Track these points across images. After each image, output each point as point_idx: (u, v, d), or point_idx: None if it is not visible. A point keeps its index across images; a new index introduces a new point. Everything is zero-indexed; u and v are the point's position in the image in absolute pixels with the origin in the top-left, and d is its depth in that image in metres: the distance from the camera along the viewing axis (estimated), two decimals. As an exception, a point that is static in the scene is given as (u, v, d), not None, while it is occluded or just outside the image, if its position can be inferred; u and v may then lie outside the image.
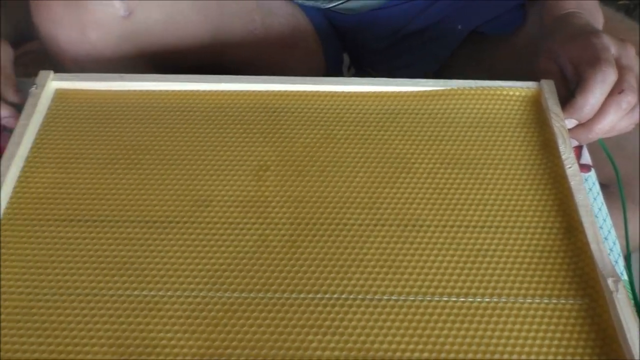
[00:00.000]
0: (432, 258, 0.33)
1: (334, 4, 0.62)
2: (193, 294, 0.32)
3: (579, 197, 0.35)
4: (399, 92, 0.42)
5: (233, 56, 0.58)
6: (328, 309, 0.31)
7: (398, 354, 0.30)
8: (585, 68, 0.39)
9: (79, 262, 0.33)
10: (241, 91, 0.42)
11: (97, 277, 0.32)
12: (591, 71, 0.39)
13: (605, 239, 0.38)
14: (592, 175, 0.42)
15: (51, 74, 0.42)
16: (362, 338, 0.30)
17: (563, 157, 0.38)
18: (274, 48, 0.61)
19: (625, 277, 0.37)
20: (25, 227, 0.34)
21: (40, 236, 0.34)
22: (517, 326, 0.31)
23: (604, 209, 0.40)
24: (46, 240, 0.34)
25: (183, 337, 0.30)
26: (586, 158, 0.42)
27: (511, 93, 0.42)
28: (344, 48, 0.69)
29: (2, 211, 0.35)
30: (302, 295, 0.32)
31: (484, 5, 0.59)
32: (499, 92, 0.42)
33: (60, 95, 0.42)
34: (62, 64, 0.51)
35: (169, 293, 0.32)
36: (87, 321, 0.31)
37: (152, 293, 0.32)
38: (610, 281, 0.31)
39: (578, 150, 0.42)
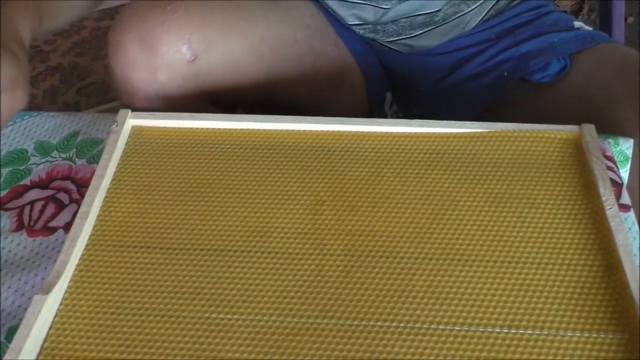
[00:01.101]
0: (476, 291, 0.36)
1: (394, 39, 0.65)
2: (257, 317, 0.35)
3: (619, 237, 0.37)
4: (445, 134, 0.45)
5: (284, 94, 0.62)
6: (380, 335, 0.34)
7: (446, 380, 0.32)
8: None
9: (156, 286, 0.37)
10: (298, 130, 0.46)
11: (172, 299, 0.36)
12: None
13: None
14: (631, 215, 0.43)
15: (129, 112, 0.46)
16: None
17: (603, 198, 0.40)
18: (322, 88, 0.64)
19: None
20: (108, 252, 0.39)
21: (121, 261, 0.38)
22: (558, 358, 0.33)
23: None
24: (127, 265, 0.38)
25: (249, 357, 0.33)
26: (625, 198, 0.44)
27: (552, 136, 0.45)
28: (390, 86, 0.73)
29: (88, 238, 0.39)
30: (356, 322, 0.35)
31: (532, 56, 0.61)
32: (540, 135, 0.45)
33: (136, 131, 0.46)
34: (131, 102, 0.56)
35: (235, 316, 0.35)
36: (164, 340, 0.34)
37: (221, 316, 0.35)
38: (648, 318, 0.33)
39: (618, 189, 0.44)
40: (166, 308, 0.36)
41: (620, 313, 0.35)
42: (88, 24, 0.99)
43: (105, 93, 0.90)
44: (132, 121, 0.46)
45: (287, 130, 0.46)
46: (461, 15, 0.62)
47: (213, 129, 0.46)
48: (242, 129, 0.46)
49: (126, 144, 0.45)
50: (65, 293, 0.36)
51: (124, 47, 0.53)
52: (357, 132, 0.45)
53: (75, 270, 0.37)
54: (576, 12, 0.86)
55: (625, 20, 1.55)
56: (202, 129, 0.46)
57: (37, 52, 0.94)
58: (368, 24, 0.64)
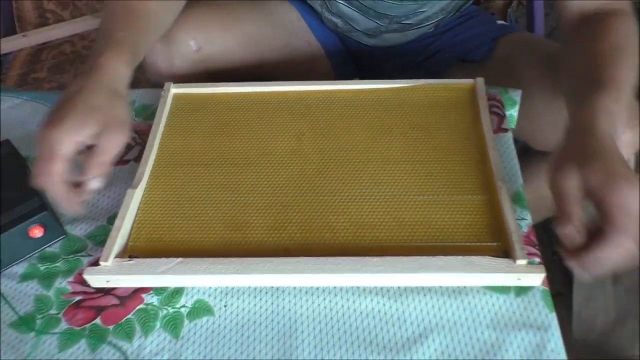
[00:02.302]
0: (400, 176, 0.58)
1: (371, 38, 0.85)
2: (263, 197, 0.57)
3: (489, 142, 0.59)
4: (385, 88, 0.67)
5: (266, 77, 0.83)
6: (337, 203, 0.56)
7: (377, 222, 0.54)
8: (604, 220, 0.42)
9: (199, 184, 0.59)
10: (287, 90, 0.68)
11: (210, 191, 0.58)
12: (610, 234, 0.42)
13: (516, 181, 0.61)
14: (509, 135, 0.65)
15: (171, 84, 0.68)
16: (356, 214, 0.55)
17: (482, 121, 0.62)
18: (295, 74, 0.84)
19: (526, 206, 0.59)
20: (167, 167, 0.60)
21: (177, 172, 0.60)
22: (445, 207, 0.55)
23: (516, 160, 0.62)
24: (180, 173, 0.60)
25: (260, 217, 0.55)
26: (506, 124, 0.66)
27: (457, 86, 0.67)
28: (357, 73, 0.93)
29: (154, 159, 0.61)
30: (324, 197, 0.57)
31: (467, 41, 0.84)
32: (449, 86, 0.67)
33: (176, 96, 0.68)
34: (157, 80, 0.77)
35: (250, 197, 0.57)
36: (206, 213, 0.56)
37: (241, 197, 0.57)
38: (499, 183, 0.55)
39: (500, 118, 0.66)
40: (206, 196, 0.58)
41: (486, 183, 0.57)
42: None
43: (136, 84, 1.12)
44: (174, 90, 0.68)
45: (277, 91, 0.68)
46: (425, 26, 0.83)
47: (228, 92, 0.68)
48: (247, 92, 0.68)
49: (171, 105, 0.67)
50: (144, 190, 0.58)
51: None
52: (326, 89, 0.67)
53: (148, 177, 0.59)
54: (507, 6, 1.08)
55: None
56: (220, 92, 0.68)
57: (77, 56, 1.16)
58: (359, 31, 0.83)
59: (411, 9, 0.76)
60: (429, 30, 0.84)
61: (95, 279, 0.52)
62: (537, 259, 0.53)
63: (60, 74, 1.12)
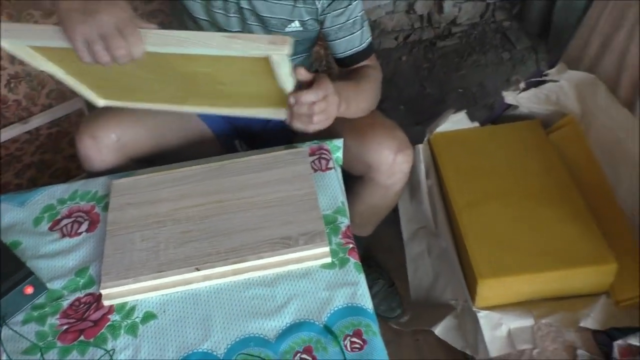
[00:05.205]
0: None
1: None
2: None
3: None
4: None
5: (172, 156, 1.14)
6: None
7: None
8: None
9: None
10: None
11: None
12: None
13: (337, 200, 0.96)
14: (333, 171, 0.99)
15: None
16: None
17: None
18: (193, 153, 1.15)
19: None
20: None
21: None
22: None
23: (340, 186, 0.98)
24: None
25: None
26: (332, 164, 1.01)
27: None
28: (237, 136, 1.27)
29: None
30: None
31: None
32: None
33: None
34: (90, 168, 1.07)
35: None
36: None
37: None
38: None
39: (327, 161, 1.01)
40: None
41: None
42: (43, 132, 1.44)
43: (69, 171, 1.39)
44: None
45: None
46: None
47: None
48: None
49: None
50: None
51: (84, 140, 1.05)
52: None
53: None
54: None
55: (400, 59, 2.21)
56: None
57: (13, 158, 1.38)
58: None
59: None
60: None
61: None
62: (351, 245, 0.88)
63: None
